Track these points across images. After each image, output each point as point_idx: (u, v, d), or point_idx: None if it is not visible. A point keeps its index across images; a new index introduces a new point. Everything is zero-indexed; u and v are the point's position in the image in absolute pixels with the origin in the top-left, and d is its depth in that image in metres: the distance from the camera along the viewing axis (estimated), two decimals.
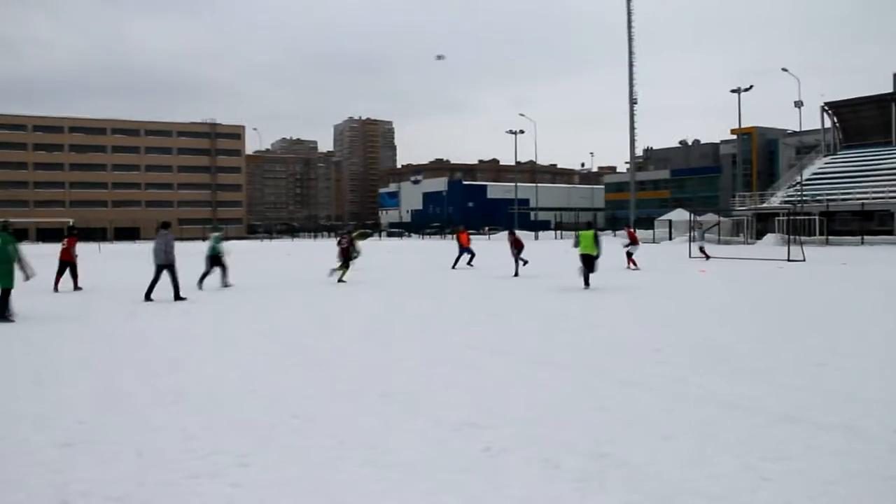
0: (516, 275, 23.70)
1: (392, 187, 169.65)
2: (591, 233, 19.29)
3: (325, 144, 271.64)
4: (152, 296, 16.62)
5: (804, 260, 30.74)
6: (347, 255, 22.61)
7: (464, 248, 29.48)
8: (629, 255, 27.82)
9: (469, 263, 29.08)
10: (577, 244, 19.25)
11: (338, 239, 23.88)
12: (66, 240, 20.55)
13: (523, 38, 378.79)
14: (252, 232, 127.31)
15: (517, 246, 24.39)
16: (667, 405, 6.87)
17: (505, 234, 24.51)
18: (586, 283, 18.95)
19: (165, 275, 16.75)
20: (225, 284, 20.16)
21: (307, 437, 5.98)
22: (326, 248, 39.75)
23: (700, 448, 5.54)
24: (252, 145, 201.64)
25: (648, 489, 4.73)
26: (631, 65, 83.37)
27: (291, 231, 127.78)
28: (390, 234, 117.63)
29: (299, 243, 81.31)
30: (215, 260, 20.24)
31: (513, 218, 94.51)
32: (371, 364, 9.16)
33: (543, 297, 17.51)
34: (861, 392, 7.28)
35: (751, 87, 67.82)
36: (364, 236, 27.67)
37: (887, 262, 30.51)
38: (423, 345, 10.66)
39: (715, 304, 16.13)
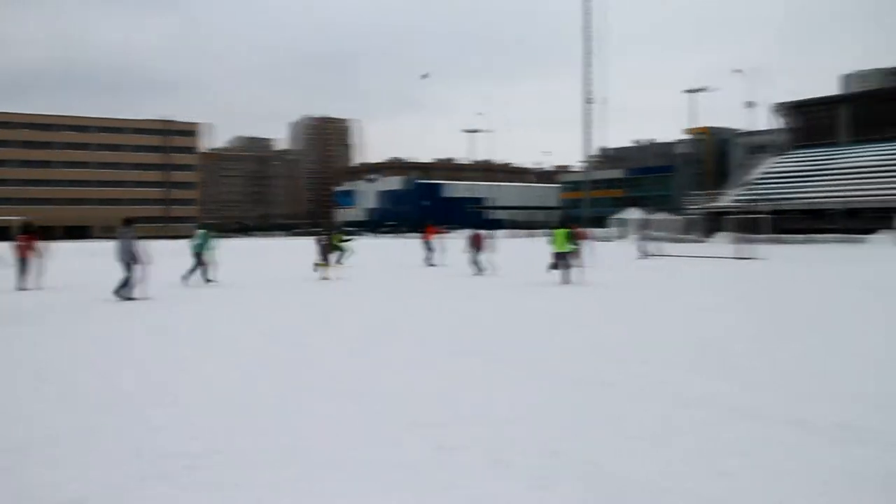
0: (479, 273, 23.79)
1: (348, 186, 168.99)
2: (563, 231, 20.01)
3: (282, 142, 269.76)
4: (127, 294, 16.44)
5: (755, 258, 31.21)
6: (327, 253, 23.60)
7: (430, 245, 29.86)
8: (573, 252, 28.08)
9: (431, 264, 29.20)
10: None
11: (318, 238, 24.70)
12: (23, 237, 19.95)
13: (480, 37, 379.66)
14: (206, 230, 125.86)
15: (477, 246, 24.40)
16: (621, 402, 6.86)
17: (471, 232, 24.66)
18: (564, 278, 19.67)
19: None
20: (207, 280, 20.84)
21: (256, 437, 5.85)
22: (289, 249, 39.40)
23: (656, 444, 5.54)
24: (207, 142, 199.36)
25: (602, 486, 4.70)
26: (587, 64, 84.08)
27: (245, 230, 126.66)
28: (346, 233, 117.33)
29: (262, 243, 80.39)
30: (199, 257, 20.96)
31: (469, 217, 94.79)
32: (322, 363, 9.03)
33: (499, 295, 17.54)
34: (814, 388, 7.38)
35: (704, 88, 68.89)
36: (342, 239, 29.03)
37: (835, 260, 31.19)
38: (374, 344, 10.56)
39: (669, 300, 16.33)
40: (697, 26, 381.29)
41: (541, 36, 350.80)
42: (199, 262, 20.97)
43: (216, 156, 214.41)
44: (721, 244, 45.13)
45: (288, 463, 5.21)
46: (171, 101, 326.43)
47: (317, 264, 23.40)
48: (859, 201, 53.80)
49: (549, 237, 20.41)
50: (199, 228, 22.83)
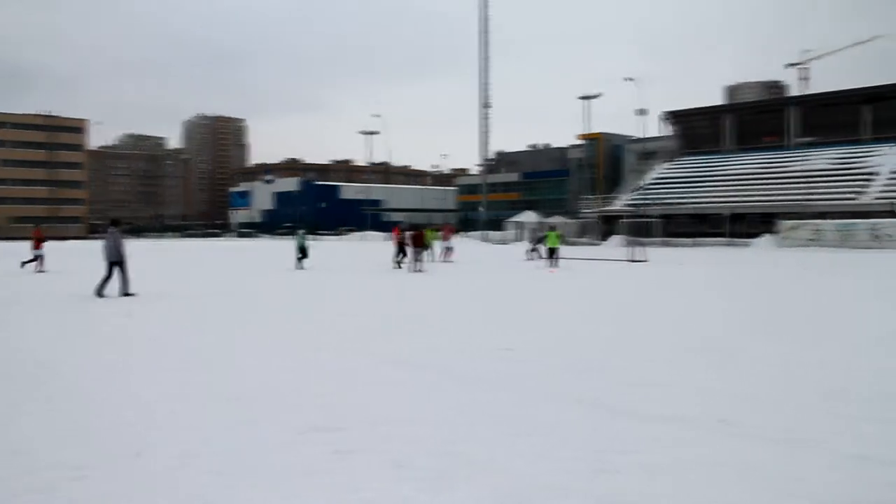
0: (399, 267, 26.19)
1: (243, 187, 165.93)
2: (556, 233, 31.22)
3: (175, 141, 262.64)
4: (104, 292, 16.94)
5: (645, 261, 32.12)
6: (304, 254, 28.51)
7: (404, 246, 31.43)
8: (448, 250, 32.76)
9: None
10: (541, 240, 30.77)
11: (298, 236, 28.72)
12: None
13: (378, 38, 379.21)
14: (94, 231, 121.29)
15: (418, 243, 26.46)
16: (515, 403, 7.02)
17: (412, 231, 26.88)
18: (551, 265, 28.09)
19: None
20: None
21: (148, 445, 5.71)
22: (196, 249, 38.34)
23: (545, 443, 5.71)
24: (96, 140, 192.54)
25: (496, 485, 4.83)
26: (484, 69, 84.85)
27: (137, 231, 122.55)
28: (241, 235, 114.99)
29: (164, 244, 78.00)
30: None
31: (366, 218, 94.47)
32: (216, 368, 8.88)
33: (389, 296, 17.54)
34: (690, 385, 7.72)
35: (598, 94, 70.46)
36: (303, 238, 30.06)
37: (718, 262, 32.44)
38: (268, 348, 10.40)
39: (561, 303, 16.66)
40: (592, 35, 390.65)
41: (437, 37, 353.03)
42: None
43: (105, 154, 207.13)
44: (615, 247, 46.27)
45: (181, 471, 5.11)
46: (56, 96, 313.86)
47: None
48: (743, 207, 56.11)
49: (539, 238, 31.54)
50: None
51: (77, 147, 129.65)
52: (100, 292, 16.94)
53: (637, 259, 32.74)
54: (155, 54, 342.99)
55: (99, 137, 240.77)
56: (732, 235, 53.64)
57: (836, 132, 64.71)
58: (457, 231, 36.90)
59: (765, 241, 47.93)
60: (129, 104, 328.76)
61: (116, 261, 17.05)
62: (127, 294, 17.07)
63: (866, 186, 53.75)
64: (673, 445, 5.63)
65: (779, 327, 12.21)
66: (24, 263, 27.60)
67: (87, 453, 5.50)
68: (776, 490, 4.71)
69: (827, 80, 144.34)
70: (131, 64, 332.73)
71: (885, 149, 59.35)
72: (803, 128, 60.64)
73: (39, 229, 27.99)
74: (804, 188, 52.69)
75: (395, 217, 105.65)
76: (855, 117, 64.07)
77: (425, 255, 26.75)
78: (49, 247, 28.83)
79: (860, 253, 39.31)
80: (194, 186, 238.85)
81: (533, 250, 35.09)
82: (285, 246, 60.53)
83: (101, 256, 17.38)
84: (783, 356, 9.45)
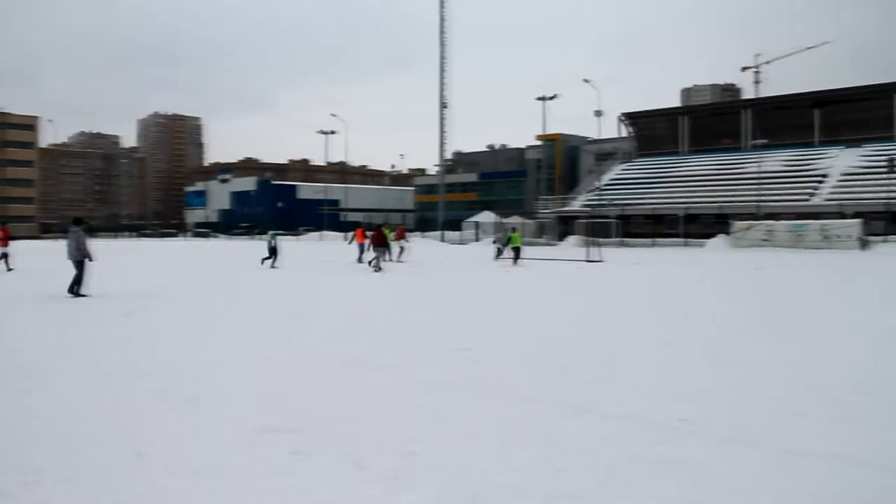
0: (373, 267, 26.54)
1: (199, 186, 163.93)
2: (518, 234, 33.51)
3: (129, 140, 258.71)
4: (82, 291, 16.99)
5: (602, 261, 32.41)
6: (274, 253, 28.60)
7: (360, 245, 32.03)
8: (401, 250, 33.42)
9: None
10: (507, 242, 33.35)
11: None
12: None
13: (337, 38, 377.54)
14: (46, 231, 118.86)
15: (379, 242, 26.74)
16: (472, 403, 7.05)
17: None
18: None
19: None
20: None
21: (101, 448, 5.64)
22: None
23: (502, 443, 5.76)
24: (47, 138, 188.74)
25: (454, 485, 4.86)
26: (442, 70, 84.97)
27: (91, 231, 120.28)
28: (196, 235, 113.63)
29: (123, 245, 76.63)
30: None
31: (323, 218, 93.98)
32: (174, 368, 8.78)
33: (349, 296, 17.51)
34: (647, 385, 7.83)
35: (555, 96, 70.79)
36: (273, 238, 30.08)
37: (673, 261, 32.83)
38: (227, 347, 10.32)
39: (518, 302, 16.75)
40: (552, 36, 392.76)
41: (397, 36, 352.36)
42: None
43: (57, 152, 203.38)
44: (572, 247, 46.60)
45: (137, 473, 5.07)
46: (4, 93, 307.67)
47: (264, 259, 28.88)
48: (697, 207, 56.84)
49: (503, 238, 34.03)
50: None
51: (28, 145, 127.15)
52: (76, 292, 16.90)
53: (593, 259, 33.00)
54: (107, 52, 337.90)
55: (50, 135, 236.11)
56: (687, 236, 54.33)
57: (788, 135, 65.92)
58: (408, 231, 37.27)
59: (719, 241, 48.58)
60: (81, 102, 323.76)
61: (79, 260, 17.04)
62: (78, 294, 16.85)
63: (817, 188, 54.81)
64: (631, 445, 5.70)
65: (738, 325, 12.42)
66: None
67: (37, 457, 5.42)
68: (731, 489, 4.80)
69: (782, 83, 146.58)
70: (83, 62, 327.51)
71: (836, 151, 60.62)
72: (757, 130, 61.59)
73: (7, 228, 27.67)
74: (758, 189, 53.50)
75: (353, 217, 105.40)
76: (806, 121, 65.31)
77: (386, 255, 26.89)
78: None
79: (811, 253, 40.05)
80: (150, 186, 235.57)
81: (499, 250, 35.27)
82: (244, 246, 60.01)
83: (66, 256, 17.24)
84: (743, 354, 9.62)
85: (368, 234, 29.30)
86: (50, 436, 5.99)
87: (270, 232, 30.66)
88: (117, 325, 12.89)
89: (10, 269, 26.19)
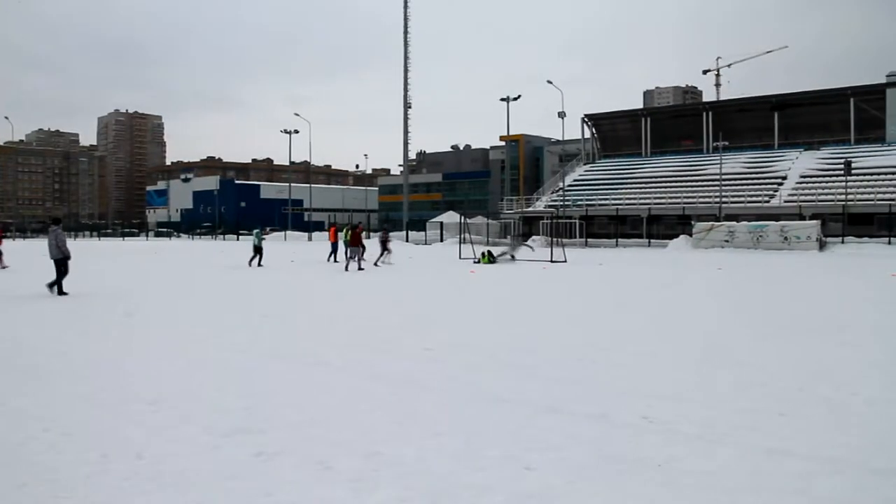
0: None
1: (161, 185, 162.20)
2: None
3: (88, 138, 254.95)
4: (64, 289, 17.39)
5: (566, 261, 32.55)
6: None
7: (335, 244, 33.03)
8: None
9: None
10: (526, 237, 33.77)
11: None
12: None
13: (299, 35, 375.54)
14: (5, 230, 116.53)
15: (355, 242, 27.25)
16: (438, 403, 7.04)
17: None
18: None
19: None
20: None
21: (62, 451, 5.52)
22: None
23: (469, 442, 5.74)
24: (3, 136, 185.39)
25: (420, 485, 4.83)
26: (406, 70, 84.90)
27: (47, 230, 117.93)
28: (158, 235, 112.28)
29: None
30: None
31: (286, 218, 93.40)
32: (136, 369, 8.63)
33: (318, 296, 17.43)
34: (614, 383, 7.86)
35: (519, 96, 71.00)
36: (259, 237, 30.73)
37: (637, 262, 33.10)
38: (191, 349, 10.19)
39: (483, 302, 16.78)
40: (517, 37, 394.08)
41: (363, 35, 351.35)
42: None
43: (14, 150, 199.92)
44: (536, 248, 46.71)
45: (98, 476, 4.99)
46: None
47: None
48: (660, 208, 57.34)
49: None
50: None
51: None
52: (57, 290, 17.26)
53: (557, 260, 33.12)
54: (66, 49, 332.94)
55: (6, 133, 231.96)
56: (650, 236, 54.80)
57: (748, 137, 66.89)
58: (364, 231, 37.83)
59: (680, 241, 49.03)
60: (39, 100, 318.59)
61: (60, 258, 17.42)
62: (58, 291, 17.25)
63: (777, 190, 55.55)
64: (601, 444, 5.70)
65: (705, 324, 12.52)
66: None
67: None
68: (696, 485, 4.82)
69: (741, 86, 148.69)
70: (41, 59, 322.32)
71: (794, 154, 61.54)
72: (718, 132, 62.24)
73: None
74: (719, 191, 54.11)
75: (317, 217, 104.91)
76: (766, 123, 66.16)
77: (355, 253, 27.04)
78: None
79: (771, 254, 40.59)
80: (110, 185, 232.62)
81: (515, 248, 35.15)
82: (208, 246, 59.47)
83: (48, 255, 17.65)
84: (712, 353, 9.70)
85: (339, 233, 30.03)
86: (12, 438, 5.87)
87: (255, 231, 30.98)
88: (78, 325, 12.68)
89: (3, 267, 27.23)
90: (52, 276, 17.48)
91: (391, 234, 36.24)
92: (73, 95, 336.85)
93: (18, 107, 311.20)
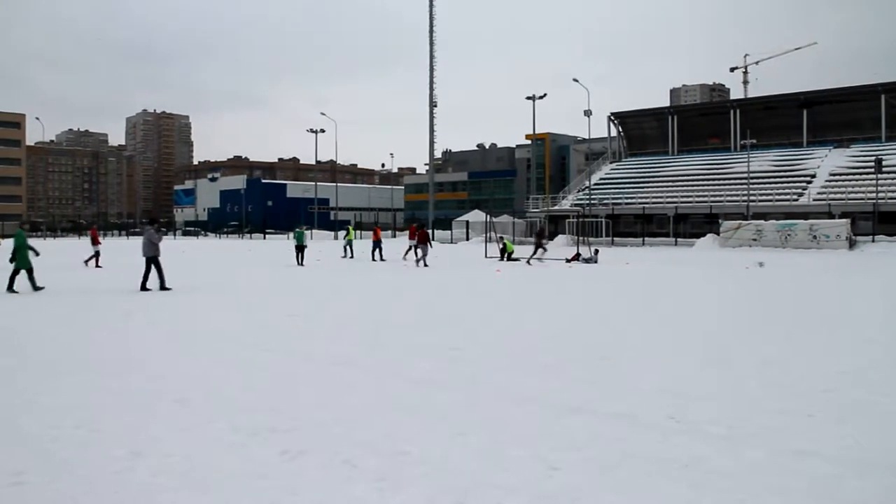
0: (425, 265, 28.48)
1: (188, 185, 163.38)
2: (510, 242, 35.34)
3: (117, 138, 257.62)
4: (148, 285, 18.31)
5: (596, 261, 32.40)
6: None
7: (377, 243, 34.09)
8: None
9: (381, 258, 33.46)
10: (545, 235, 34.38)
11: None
12: None
13: (325, 36, 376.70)
14: (34, 229, 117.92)
15: (422, 240, 29.04)
16: (463, 402, 7.03)
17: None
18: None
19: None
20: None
21: (92, 448, 5.58)
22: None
23: (494, 442, 5.73)
24: (34, 136, 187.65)
25: (446, 485, 4.83)
26: (431, 69, 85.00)
27: (79, 229, 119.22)
28: (186, 234, 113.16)
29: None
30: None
31: (313, 217, 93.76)
32: (165, 370, 8.71)
33: (345, 295, 17.48)
34: (640, 383, 7.81)
35: (544, 95, 70.77)
36: (301, 234, 31.29)
37: (664, 261, 32.87)
38: (219, 348, 10.26)
39: (509, 302, 16.72)
40: (544, 36, 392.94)
41: (389, 36, 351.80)
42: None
43: (45, 150, 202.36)
44: (561, 247, 46.55)
45: (127, 473, 5.04)
46: None
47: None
48: (687, 207, 56.95)
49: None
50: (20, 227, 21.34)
51: (15, 143, 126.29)
52: (143, 286, 18.26)
53: (586, 258, 33.00)
54: (95, 50, 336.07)
55: (37, 133, 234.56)
56: (676, 235, 54.43)
57: (776, 135, 66.26)
58: (382, 230, 38.60)
59: (708, 240, 48.68)
60: (69, 100, 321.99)
61: (152, 256, 18.33)
62: (164, 288, 18.25)
63: (806, 188, 55.01)
64: (623, 443, 5.67)
65: (734, 324, 12.42)
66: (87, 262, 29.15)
67: (25, 457, 5.36)
68: (722, 486, 4.78)
69: (770, 83, 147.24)
70: (71, 60, 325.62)
71: (823, 152, 60.90)
72: (746, 130, 61.70)
73: (94, 228, 31.16)
74: (746, 189, 53.64)
75: (343, 216, 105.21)
76: (794, 121, 65.51)
77: (420, 251, 28.92)
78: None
79: (800, 252, 40.18)
80: (138, 184, 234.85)
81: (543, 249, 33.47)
82: (235, 245, 59.82)
83: (141, 253, 18.53)
84: (740, 353, 9.62)
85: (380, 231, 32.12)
86: (31, 438, 5.94)
87: (298, 230, 31.53)
88: (113, 322, 12.83)
89: (98, 266, 28.37)
90: (152, 277, 18.36)
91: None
92: (101, 96, 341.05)
93: (49, 108, 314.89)
